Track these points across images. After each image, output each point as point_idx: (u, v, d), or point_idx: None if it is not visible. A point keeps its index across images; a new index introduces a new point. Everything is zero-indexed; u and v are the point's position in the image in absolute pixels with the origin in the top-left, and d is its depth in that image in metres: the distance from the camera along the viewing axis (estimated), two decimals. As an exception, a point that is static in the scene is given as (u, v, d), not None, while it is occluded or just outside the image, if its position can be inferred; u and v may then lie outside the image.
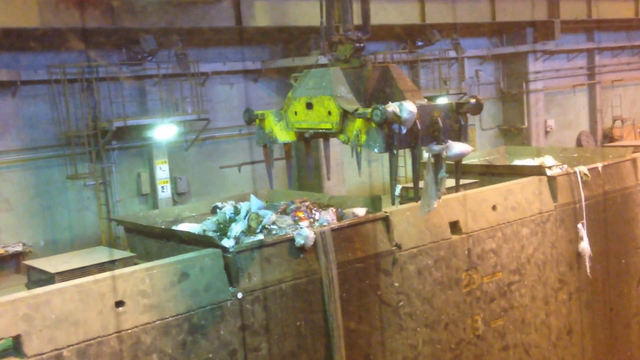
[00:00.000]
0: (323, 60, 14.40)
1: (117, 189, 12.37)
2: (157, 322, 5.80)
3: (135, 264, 6.82)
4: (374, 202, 7.75)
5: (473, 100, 5.53)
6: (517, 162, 11.29)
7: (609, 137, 21.07)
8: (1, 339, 5.20)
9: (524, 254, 8.65)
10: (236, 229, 7.54)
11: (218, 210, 8.34)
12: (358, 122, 5.42)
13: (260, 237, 7.15)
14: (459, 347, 7.98)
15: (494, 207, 8.33)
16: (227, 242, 7.05)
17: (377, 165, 15.12)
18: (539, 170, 9.30)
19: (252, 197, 8.38)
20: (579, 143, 20.33)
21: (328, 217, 7.51)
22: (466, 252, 8.03)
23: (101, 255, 7.51)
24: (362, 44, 6.01)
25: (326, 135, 6.18)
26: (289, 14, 13.13)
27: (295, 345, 6.64)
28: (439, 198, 5.91)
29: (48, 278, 6.74)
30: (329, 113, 5.67)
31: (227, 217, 7.97)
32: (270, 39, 14.34)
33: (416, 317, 7.57)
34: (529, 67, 18.31)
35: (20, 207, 11.38)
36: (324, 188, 14.14)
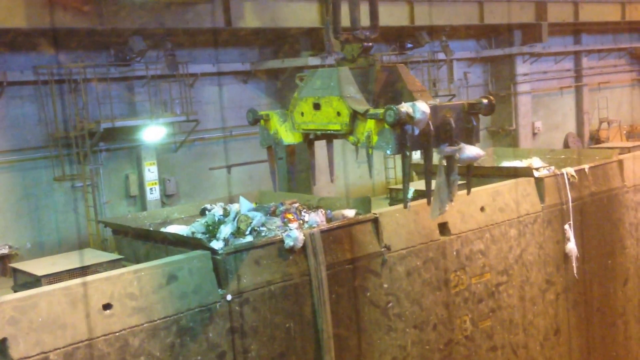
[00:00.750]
0: (314, 61, 14.48)
1: (105, 190, 12.30)
2: (145, 325, 5.77)
3: (123, 266, 6.79)
4: (363, 204, 7.76)
5: (485, 101, 5.42)
6: (505, 163, 11.35)
7: (595, 139, 21.23)
8: (-13, 342, 5.16)
9: (511, 255, 8.70)
10: (225, 230, 7.52)
11: (207, 212, 8.32)
12: (369, 123, 5.29)
13: (250, 239, 7.14)
14: (447, 348, 8.01)
15: (482, 209, 8.37)
16: (216, 244, 7.03)
17: (366, 167, 15.13)
18: (526, 172, 9.36)
19: (241, 198, 8.37)
20: (566, 145, 20.48)
21: (317, 219, 7.52)
22: (455, 253, 8.06)
23: (89, 257, 7.46)
24: (370, 43, 5.87)
25: (330, 137, 6.07)
26: (279, 15, 13.13)
27: (285, 347, 6.63)
28: (451, 201, 5.80)
29: (35, 281, 6.69)
30: (338, 114, 5.54)
31: (216, 219, 7.95)
32: (260, 40, 14.33)
33: (405, 318, 7.59)
34: (517, 69, 18.43)
35: (7, 209, 11.28)
36: (314, 190, 14.15)
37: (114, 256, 7.50)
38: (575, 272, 9.33)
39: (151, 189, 12.48)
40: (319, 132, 5.86)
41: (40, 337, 5.29)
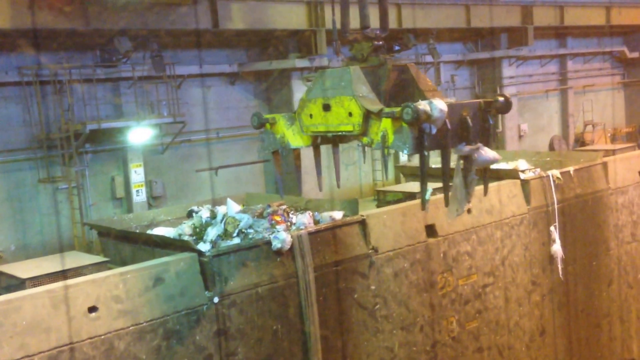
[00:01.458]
0: (301, 63, 14.46)
1: (91, 192, 12.21)
2: (131, 328, 5.74)
3: (109, 268, 6.74)
4: (351, 206, 7.77)
5: (501, 98, 5.23)
6: (492, 165, 11.39)
7: (580, 142, 21.43)
8: (-29, 345, 5.09)
9: (498, 257, 8.75)
10: (212, 233, 7.49)
11: (194, 214, 8.29)
12: (384, 123, 5.08)
13: (237, 241, 7.11)
14: (434, 349, 8.03)
15: (469, 210, 8.41)
16: (203, 246, 7.00)
17: (354, 169, 15.17)
18: (512, 174, 9.42)
19: (229, 200, 8.34)
20: (551, 147, 20.65)
21: (305, 221, 7.51)
22: (442, 255, 8.09)
23: (74, 260, 7.40)
24: (380, 42, 5.71)
25: (336, 140, 5.88)
26: (266, 17, 13.12)
27: (272, 349, 6.62)
28: (469, 202, 5.60)
29: (19, 283, 6.62)
30: (350, 114, 5.34)
31: (203, 221, 7.92)
32: (248, 42, 14.31)
33: (392, 320, 7.60)
34: (503, 72, 18.57)
35: (-9, 211, 11.17)
36: (301, 192, 14.14)
37: (100, 259, 7.45)
38: (560, 273, 9.40)
39: (137, 191, 12.41)
40: (329, 134, 5.66)
41: (25, 341, 5.24)
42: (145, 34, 11.96)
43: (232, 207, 8.12)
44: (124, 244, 7.74)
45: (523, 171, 9.61)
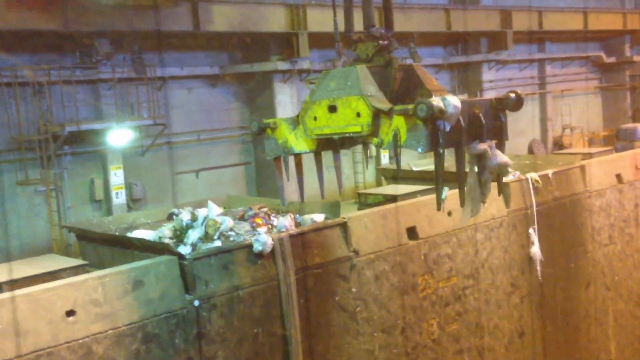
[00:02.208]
0: (283, 65, 14.41)
1: (69, 195, 12.09)
2: (109, 332, 5.68)
3: (88, 272, 6.67)
4: (332, 208, 7.77)
5: (513, 95, 5.04)
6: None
7: (558, 145, 21.69)
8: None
9: (478, 259, 8.81)
10: (193, 235, 7.45)
11: (175, 216, 8.24)
12: (396, 121, 4.89)
13: (218, 243, 7.08)
14: (414, 352, 8.06)
15: (449, 213, 8.46)
16: (184, 249, 6.96)
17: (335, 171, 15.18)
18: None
19: (210, 203, 8.30)
20: (530, 150, 20.87)
21: (286, 223, 7.50)
22: (422, 257, 8.13)
23: (52, 263, 7.32)
24: (386, 42, 5.52)
25: (337, 145, 5.72)
26: (248, 19, 13.11)
27: (252, 352, 6.59)
28: (484, 202, 5.42)
29: (-4, 287, 6.53)
30: (358, 114, 5.13)
31: (184, 223, 7.87)
32: (229, 44, 14.28)
33: (373, 322, 7.62)
34: (483, 76, 18.74)
35: (-33, 213, 11.00)
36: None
37: (78, 262, 7.37)
38: (539, 275, 9.49)
39: (117, 193, 12.31)
40: (336, 137, 5.48)
41: (1, 345, 5.16)
42: (126, 35, 11.88)
43: (213, 210, 8.08)
44: (103, 247, 7.66)
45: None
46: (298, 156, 5.93)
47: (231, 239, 7.19)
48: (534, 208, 9.46)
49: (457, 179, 5.17)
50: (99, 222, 8.66)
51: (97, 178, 12.36)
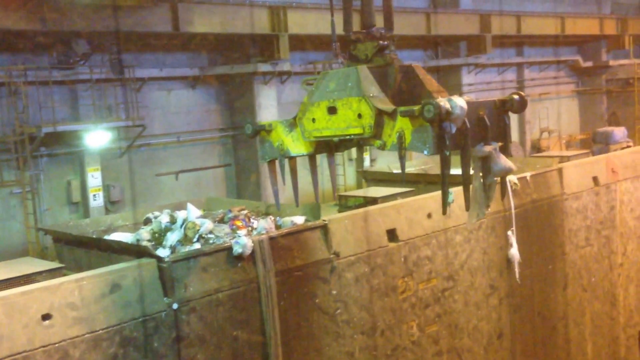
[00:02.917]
0: (263, 67, 14.35)
1: (46, 197, 11.93)
2: (86, 336, 5.60)
3: (64, 275, 6.58)
4: (312, 210, 7.76)
5: (516, 97, 4.93)
6: (452, 171, 11.54)
7: (536, 148, 21.94)
8: None
9: (457, 261, 8.86)
10: (172, 238, 7.39)
11: (153, 219, 8.16)
12: (400, 122, 4.74)
13: (197, 246, 7.03)
14: (394, 354, 8.07)
15: (429, 215, 8.50)
16: (162, 252, 6.90)
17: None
18: (471, 180, 9.54)
19: (189, 205, 8.24)
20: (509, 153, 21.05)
21: (266, 226, 7.48)
22: (402, 260, 8.15)
23: (28, 266, 7.19)
24: (386, 42, 5.41)
25: (331, 149, 5.60)
26: (228, 21, 13.06)
27: (232, 355, 6.55)
28: (488, 206, 5.29)
29: (-31, 290, 6.40)
30: (359, 116, 4.97)
31: (163, 226, 7.81)
32: (209, 45, 14.21)
33: (353, 324, 7.62)
34: (462, 79, 18.90)
35: (-60, 216, 10.80)
36: (263, 196, 14.10)
37: (54, 265, 7.26)
38: (517, 277, 9.57)
39: (94, 195, 12.18)
40: (335, 139, 5.31)
41: (-25, 350, 5.07)
42: (104, 35, 11.77)
43: (193, 212, 8.02)
44: (80, 250, 7.56)
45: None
46: (292, 159, 5.73)
47: (211, 241, 7.15)
48: (513, 210, 9.53)
49: (463, 183, 5.07)
50: (76, 224, 8.55)
51: (74, 180, 12.21)
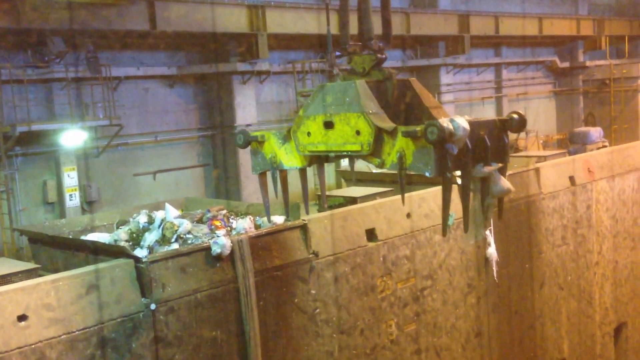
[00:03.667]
0: (242, 66, 14.29)
1: (21, 197, 11.75)
2: (63, 337, 5.53)
3: (40, 275, 6.49)
4: (292, 210, 7.74)
5: (516, 116, 4.88)
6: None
7: (514, 148, 22.13)
8: None
9: (436, 260, 8.91)
10: (150, 238, 7.33)
11: (131, 220, 8.07)
12: (400, 142, 4.64)
13: (175, 246, 6.98)
14: (373, 352, 8.10)
15: (408, 215, 8.54)
16: (140, 252, 6.84)
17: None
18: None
19: (167, 205, 8.18)
20: (487, 153, 21.22)
21: (245, 226, 7.45)
22: (381, 259, 8.18)
23: (3, 266, 7.08)
24: (384, 55, 5.31)
25: (322, 160, 5.49)
26: (206, 19, 12.97)
27: (211, 355, 6.52)
28: (487, 226, 5.27)
29: (-58, 292, 6.27)
30: (357, 132, 4.85)
31: (141, 226, 7.74)
32: (187, 44, 14.11)
33: (332, 324, 7.62)
34: (441, 79, 19.01)
35: None
36: (242, 196, 14.04)
37: (30, 265, 7.15)
38: (495, 276, 9.66)
39: (71, 195, 12.02)
40: (331, 154, 5.18)
41: (-53, 353, 4.97)
42: (80, 34, 11.62)
43: (171, 212, 7.96)
44: (56, 251, 7.46)
45: (460, 177, 9.81)
46: (283, 171, 5.60)
47: (189, 241, 7.10)
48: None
49: (462, 204, 4.99)
50: (52, 224, 8.44)
51: (50, 179, 12.05)
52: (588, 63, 24.28)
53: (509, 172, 10.54)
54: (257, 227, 7.60)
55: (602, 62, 24.63)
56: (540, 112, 24.00)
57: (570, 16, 23.44)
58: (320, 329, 7.50)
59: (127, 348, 5.91)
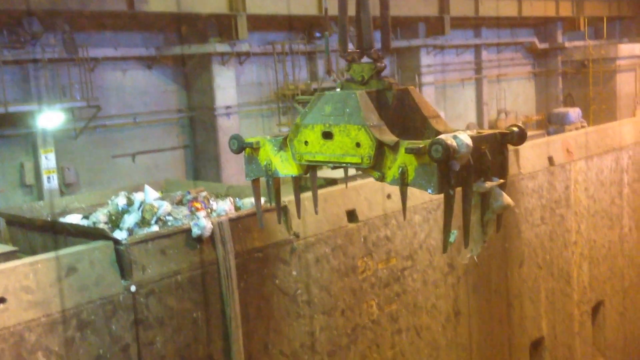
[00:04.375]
0: (222, 47, 14.17)
1: (-2, 179, 11.60)
2: (42, 319, 5.50)
3: (18, 258, 6.42)
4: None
5: (516, 129, 4.80)
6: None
7: (494, 129, 22.29)
8: None
9: (416, 240, 8.98)
10: (129, 220, 7.28)
11: (109, 202, 7.99)
12: (402, 157, 4.55)
13: (155, 228, 6.94)
14: (354, 333, 8.17)
15: (388, 196, 8.57)
16: (120, 234, 6.79)
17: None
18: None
19: (147, 187, 8.11)
20: (467, 134, 21.36)
21: (226, 207, 7.42)
22: (362, 240, 8.22)
23: (-21, 250, 7.00)
24: (383, 64, 5.19)
25: (315, 166, 5.37)
26: (184, 0, 12.81)
27: (191, 337, 6.52)
28: (485, 242, 5.20)
29: None
30: (357, 145, 4.74)
31: (120, 208, 7.68)
32: (166, 25, 13.93)
33: (313, 305, 7.67)
34: (421, 60, 19.01)
35: None
36: (222, 178, 13.99)
37: (8, 248, 7.08)
38: (475, 256, 9.76)
39: (48, 177, 11.89)
40: (330, 165, 5.05)
41: None
42: (56, 14, 11.41)
43: (150, 194, 7.90)
44: (34, 233, 7.39)
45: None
46: (277, 178, 5.46)
47: (169, 223, 7.07)
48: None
49: (464, 220, 4.92)
50: (30, 207, 8.34)
51: (27, 162, 11.90)
52: (567, 44, 24.43)
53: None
54: (237, 208, 7.58)
55: (580, 43, 24.80)
56: (519, 93, 24.14)
57: (550, -3, 23.53)
58: (302, 310, 7.54)
59: (107, 330, 5.89)
